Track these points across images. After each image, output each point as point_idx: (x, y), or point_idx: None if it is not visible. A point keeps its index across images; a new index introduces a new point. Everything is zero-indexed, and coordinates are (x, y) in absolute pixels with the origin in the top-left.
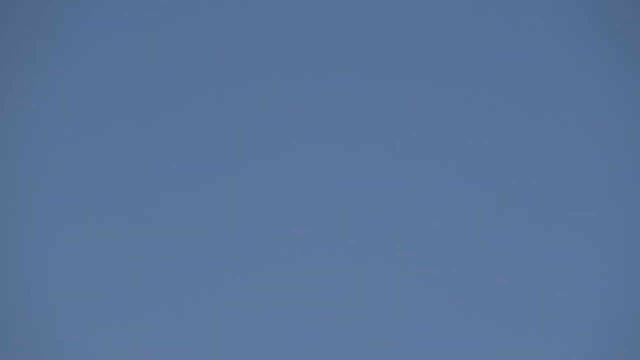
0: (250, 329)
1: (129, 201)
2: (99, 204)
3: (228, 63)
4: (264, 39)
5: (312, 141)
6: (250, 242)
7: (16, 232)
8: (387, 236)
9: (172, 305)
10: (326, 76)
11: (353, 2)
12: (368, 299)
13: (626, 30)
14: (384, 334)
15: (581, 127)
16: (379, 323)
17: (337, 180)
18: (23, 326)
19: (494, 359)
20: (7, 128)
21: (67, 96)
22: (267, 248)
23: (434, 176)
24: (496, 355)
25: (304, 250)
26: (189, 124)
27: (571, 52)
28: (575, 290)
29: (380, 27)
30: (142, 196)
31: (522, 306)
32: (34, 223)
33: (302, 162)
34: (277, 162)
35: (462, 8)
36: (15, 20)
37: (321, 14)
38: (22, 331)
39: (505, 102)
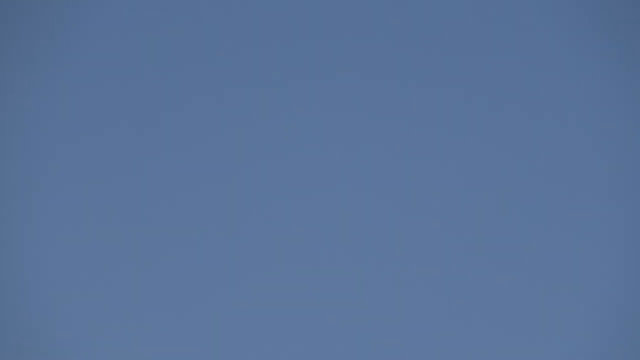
0: (251, 329)
1: (129, 201)
2: (99, 205)
3: (228, 64)
4: (264, 40)
5: (313, 142)
6: (250, 243)
7: (16, 232)
8: (387, 237)
9: (173, 306)
10: (326, 77)
11: (354, 2)
12: (369, 300)
13: (626, 30)
14: (385, 335)
15: (581, 127)
16: (380, 324)
17: (337, 180)
18: (23, 326)
19: (494, 359)
20: (7, 128)
21: (67, 96)
22: (268, 249)
23: (435, 177)
24: (496, 356)
25: (305, 251)
26: (189, 125)
27: (571, 52)
28: (575, 291)
29: (381, 27)
30: (142, 197)
31: (523, 307)
32: (34, 223)
33: (302, 162)
34: (277, 163)
35: (462, 8)
36: (15, 20)
37: (321, 15)
38: (22, 331)
39: (505, 103)
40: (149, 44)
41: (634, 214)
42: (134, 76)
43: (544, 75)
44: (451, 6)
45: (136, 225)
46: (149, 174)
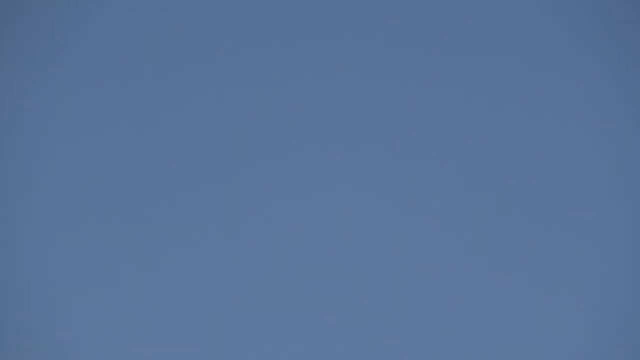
0: (251, 329)
1: (129, 201)
2: (99, 205)
3: (228, 64)
4: (264, 40)
5: (313, 142)
6: (251, 243)
7: (16, 232)
8: (387, 237)
9: (173, 306)
10: (326, 77)
11: (353, 2)
12: (369, 301)
13: (626, 30)
14: (385, 335)
15: (581, 128)
16: (380, 324)
17: (337, 180)
18: (23, 326)
19: (495, 359)
20: (7, 128)
21: (67, 96)
22: (268, 248)
23: (435, 177)
24: (497, 356)
25: (305, 251)
26: (189, 125)
27: (571, 53)
28: (575, 291)
29: (381, 27)
30: (142, 197)
31: (523, 307)
32: (34, 223)
33: (302, 162)
34: (277, 163)
35: (462, 8)
36: (15, 20)
37: (321, 15)
38: (22, 331)
39: (505, 103)
40: (149, 44)
41: (634, 214)
42: (134, 76)
43: (544, 75)
44: (451, 6)
45: (136, 225)
46: (149, 174)
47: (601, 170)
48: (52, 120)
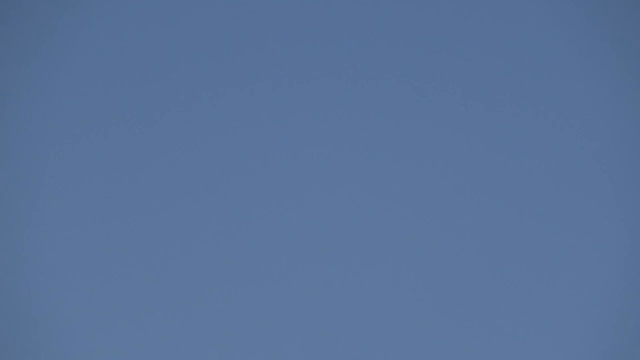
0: (251, 329)
1: (129, 201)
2: (99, 205)
3: (229, 64)
4: (264, 40)
5: (313, 142)
6: (251, 242)
7: (16, 232)
8: (387, 237)
9: (174, 307)
10: (326, 77)
11: (354, 3)
12: (370, 301)
13: (626, 31)
14: (385, 336)
15: (581, 128)
16: (380, 325)
17: (337, 180)
18: (23, 326)
19: (495, 359)
20: (7, 128)
21: (67, 96)
22: (268, 248)
23: (435, 177)
24: (497, 356)
25: (305, 251)
26: (189, 125)
27: (571, 52)
28: (575, 291)
29: (380, 28)
30: (142, 197)
31: (523, 307)
32: (34, 223)
33: (302, 162)
34: (277, 163)
35: (462, 9)
36: (15, 20)
37: (322, 16)
38: (22, 331)
39: (505, 103)
40: (149, 44)
41: (634, 214)
42: (134, 76)
43: (544, 75)
44: (451, 6)
45: (136, 225)
46: (149, 174)
47: (601, 170)
48: (52, 120)
